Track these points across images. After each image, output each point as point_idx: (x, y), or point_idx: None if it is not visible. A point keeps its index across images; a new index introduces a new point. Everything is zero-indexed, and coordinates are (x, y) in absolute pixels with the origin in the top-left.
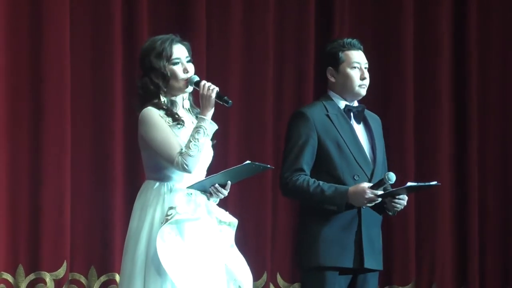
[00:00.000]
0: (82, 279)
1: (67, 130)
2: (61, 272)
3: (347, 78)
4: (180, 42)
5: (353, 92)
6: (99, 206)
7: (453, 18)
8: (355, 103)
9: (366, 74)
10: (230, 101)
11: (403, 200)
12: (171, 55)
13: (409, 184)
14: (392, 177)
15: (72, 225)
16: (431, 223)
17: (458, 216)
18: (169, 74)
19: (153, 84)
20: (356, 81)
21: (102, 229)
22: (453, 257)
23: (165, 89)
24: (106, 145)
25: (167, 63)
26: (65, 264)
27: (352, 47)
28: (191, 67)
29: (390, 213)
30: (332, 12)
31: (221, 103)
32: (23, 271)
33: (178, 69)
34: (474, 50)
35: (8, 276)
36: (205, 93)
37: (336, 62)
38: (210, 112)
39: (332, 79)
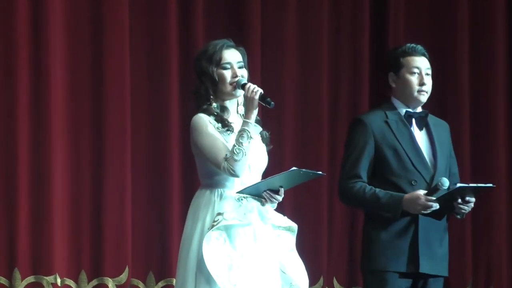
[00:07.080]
0: (141, 285)
1: (127, 138)
2: (123, 277)
3: (406, 83)
4: (234, 46)
5: (412, 98)
6: (157, 212)
7: (507, 24)
8: (419, 109)
9: (426, 80)
10: (272, 103)
11: (471, 203)
12: (220, 59)
13: (459, 185)
14: (445, 182)
15: (132, 231)
16: (487, 227)
17: None
18: (217, 79)
19: (203, 88)
20: (414, 86)
21: (160, 235)
22: (510, 260)
23: (214, 94)
24: (164, 153)
25: (216, 68)
26: (127, 269)
27: (414, 52)
28: (242, 72)
29: (458, 217)
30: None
31: (264, 104)
32: (86, 277)
33: (227, 73)
34: None
35: (71, 282)
36: (249, 95)
37: (396, 67)
38: (254, 114)
39: (393, 85)
